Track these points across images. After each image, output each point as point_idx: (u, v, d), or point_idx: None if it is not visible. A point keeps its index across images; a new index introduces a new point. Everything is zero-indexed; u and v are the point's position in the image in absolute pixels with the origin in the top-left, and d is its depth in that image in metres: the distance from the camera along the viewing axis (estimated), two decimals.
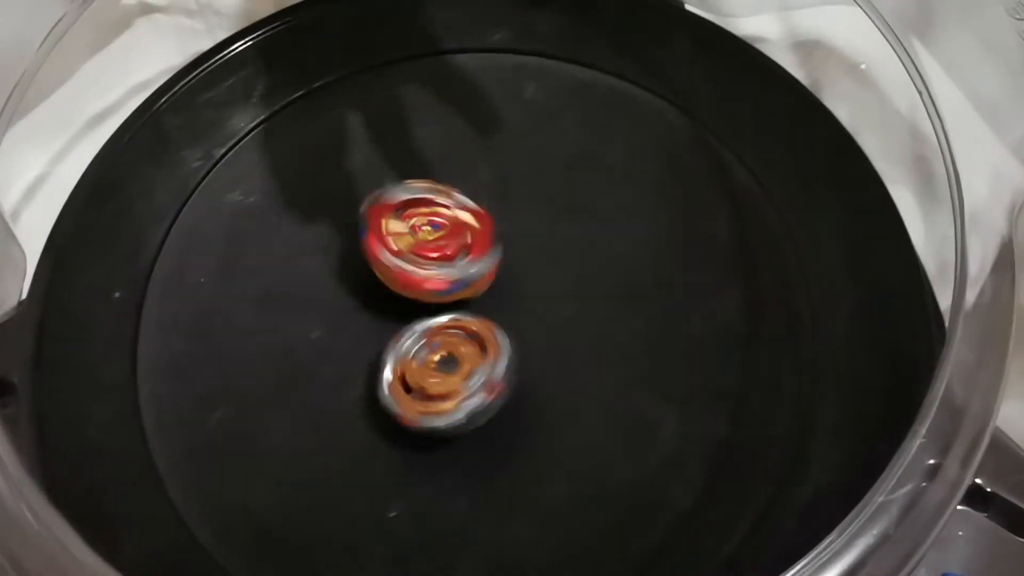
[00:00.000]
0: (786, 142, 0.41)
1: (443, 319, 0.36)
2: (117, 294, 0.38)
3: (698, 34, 0.43)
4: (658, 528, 0.34)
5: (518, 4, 0.44)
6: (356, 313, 0.38)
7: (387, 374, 0.35)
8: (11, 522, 0.26)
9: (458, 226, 0.36)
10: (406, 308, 0.36)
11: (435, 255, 0.36)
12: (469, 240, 0.36)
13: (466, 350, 0.35)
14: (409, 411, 0.34)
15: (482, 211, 0.37)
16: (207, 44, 0.46)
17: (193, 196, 0.40)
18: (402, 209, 0.36)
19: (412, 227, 0.36)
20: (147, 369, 0.37)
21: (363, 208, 0.36)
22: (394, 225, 0.36)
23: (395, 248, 0.35)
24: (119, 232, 0.39)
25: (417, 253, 0.35)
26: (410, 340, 0.35)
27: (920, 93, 0.34)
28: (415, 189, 0.36)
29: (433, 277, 0.35)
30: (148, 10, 0.47)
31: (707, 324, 0.38)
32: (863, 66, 0.44)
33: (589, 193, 0.40)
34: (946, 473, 0.29)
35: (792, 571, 0.26)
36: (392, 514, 0.35)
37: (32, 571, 0.26)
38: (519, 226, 0.38)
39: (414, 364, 0.35)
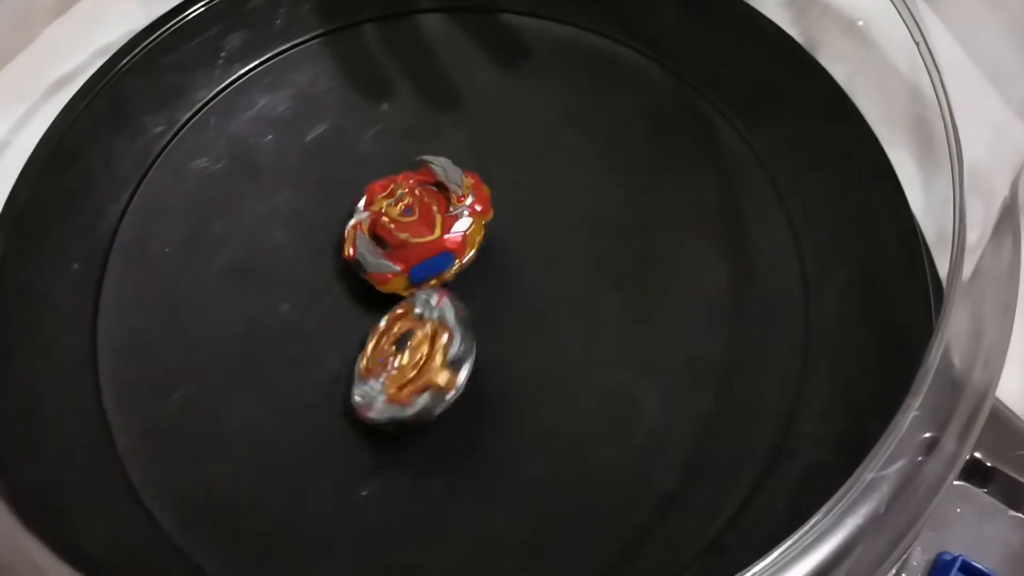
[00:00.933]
0: (780, 104, 0.39)
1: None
2: (75, 266, 0.36)
3: None
4: (642, 509, 0.32)
5: None
6: (326, 289, 0.36)
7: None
8: None
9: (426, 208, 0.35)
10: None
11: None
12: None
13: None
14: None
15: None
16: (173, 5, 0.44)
17: (156, 163, 0.38)
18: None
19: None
20: (107, 346, 0.35)
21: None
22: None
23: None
24: (77, 201, 0.37)
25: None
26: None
27: (918, 45, 0.32)
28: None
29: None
30: None
31: (693, 296, 0.36)
32: (861, 23, 0.42)
33: (571, 158, 0.38)
34: (943, 448, 0.28)
35: (778, 551, 0.25)
36: (363, 493, 0.33)
37: None
38: (497, 193, 0.36)
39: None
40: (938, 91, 0.31)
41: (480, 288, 0.35)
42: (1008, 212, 0.29)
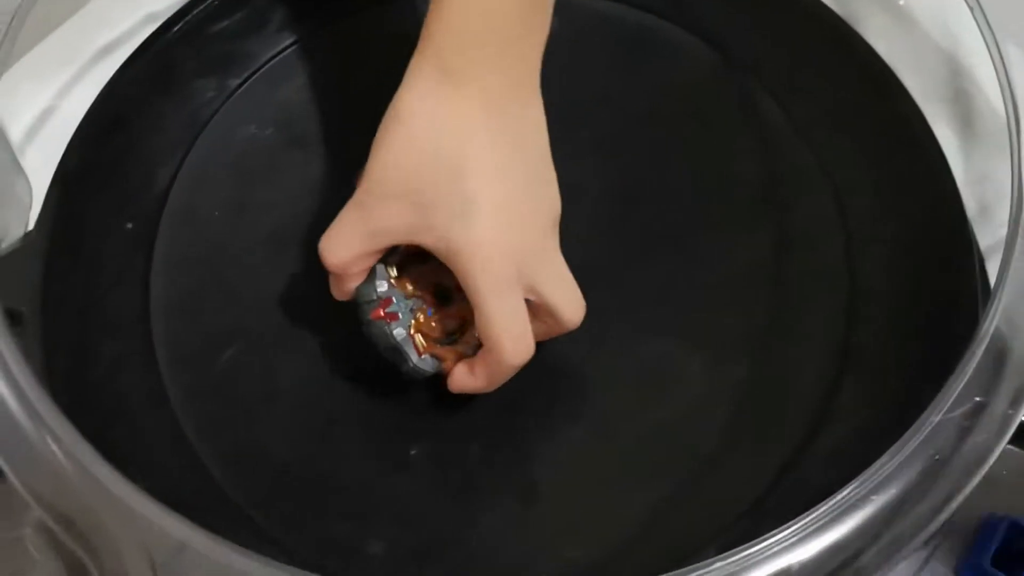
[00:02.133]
0: (822, 77, 0.39)
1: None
2: (128, 226, 0.36)
3: None
4: (683, 471, 0.33)
5: None
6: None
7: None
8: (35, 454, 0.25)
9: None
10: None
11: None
12: None
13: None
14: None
15: None
16: None
17: (205, 129, 0.39)
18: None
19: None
20: (159, 305, 0.35)
21: None
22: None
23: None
24: (129, 164, 0.38)
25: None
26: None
27: (987, 44, 0.32)
28: None
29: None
30: None
31: (736, 264, 0.36)
32: (902, 2, 0.42)
33: (616, 132, 0.39)
34: (993, 410, 0.28)
35: (846, 491, 0.25)
36: (412, 452, 0.33)
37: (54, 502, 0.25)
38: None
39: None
40: (995, 60, 0.31)
41: None
42: None
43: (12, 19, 0.35)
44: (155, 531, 0.24)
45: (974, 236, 0.36)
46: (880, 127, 0.38)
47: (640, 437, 0.34)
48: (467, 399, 0.34)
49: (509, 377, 0.31)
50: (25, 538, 0.31)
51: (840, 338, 0.35)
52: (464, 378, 0.32)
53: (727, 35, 0.40)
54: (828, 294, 0.35)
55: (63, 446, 0.25)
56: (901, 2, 0.42)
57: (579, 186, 0.37)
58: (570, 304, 0.32)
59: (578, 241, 0.36)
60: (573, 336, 0.35)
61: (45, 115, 0.40)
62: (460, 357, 0.32)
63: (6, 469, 0.25)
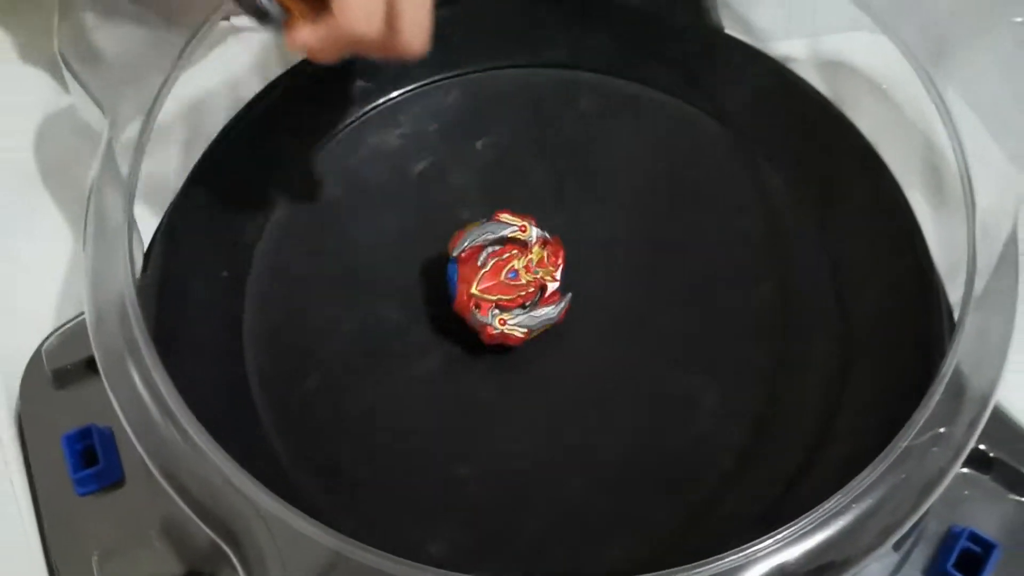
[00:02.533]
0: (814, 151, 0.46)
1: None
2: (224, 273, 0.43)
3: (737, 55, 0.48)
4: (704, 487, 0.39)
5: (572, 25, 0.49)
6: (425, 297, 0.43)
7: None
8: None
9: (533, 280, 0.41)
10: None
11: (515, 304, 0.40)
12: (546, 284, 0.41)
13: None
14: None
15: (555, 242, 0.41)
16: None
17: (288, 189, 0.45)
18: (487, 256, 0.41)
19: (497, 280, 0.40)
20: (251, 340, 0.42)
21: (452, 242, 0.41)
22: (482, 280, 0.40)
23: (483, 303, 0.40)
24: (223, 221, 0.44)
25: (501, 304, 0.40)
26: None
27: (937, 106, 0.39)
28: (496, 226, 0.41)
29: (516, 330, 0.40)
30: (238, 30, 0.52)
31: (748, 311, 0.43)
32: (884, 86, 0.49)
33: (641, 194, 0.46)
34: (952, 436, 0.34)
35: (830, 502, 0.31)
36: (462, 472, 0.39)
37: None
38: (575, 223, 0.44)
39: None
40: (956, 149, 0.38)
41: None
42: (1010, 246, 0.36)
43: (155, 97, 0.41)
44: (287, 533, 0.30)
45: (943, 291, 0.42)
46: (864, 195, 0.44)
47: (666, 454, 0.40)
48: (513, 425, 0.40)
49: (344, 48, 0.35)
50: (151, 538, 0.37)
51: (834, 375, 0.41)
52: (304, 32, 0.35)
53: (735, 113, 0.47)
54: (823, 339, 0.42)
55: (212, 463, 0.31)
56: (884, 86, 0.49)
57: (613, 239, 0.44)
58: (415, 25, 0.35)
59: (613, 286, 0.43)
60: (613, 371, 0.41)
61: (149, 179, 0.46)
62: (306, 14, 0.35)
63: (164, 483, 0.31)
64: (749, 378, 0.41)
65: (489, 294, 0.40)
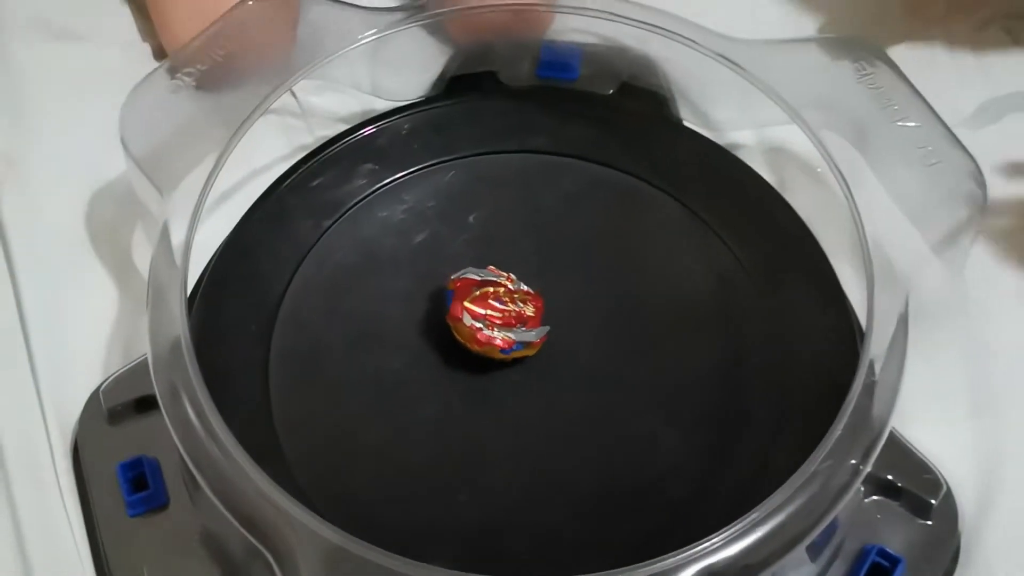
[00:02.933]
0: (757, 227, 0.54)
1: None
2: (252, 328, 0.50)
3: (692, 143, 0.57)
4: (665, 515, 0.46)
5: (553, 118, 0.58)
6: (427, 350, 0.50)
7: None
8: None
9: (517, 310, 0.49)
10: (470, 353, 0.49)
11: (501, 322, 0.48)
12: (526, 315, 0.49)
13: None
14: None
15: (535, 293, 0.50)
16: (308, 139, 0.59)
17: (307, 256, 0.53)
18: (477, 287, 0.49)
19: (485, 301, 0.49)
20: (276, 387, 0.49)
21: (450, 282, 0.49)
22: (473, 299, 0.49)
23: (474, 313, 0.48)
24: (252, 283, 0.52)
25: (488, 320, 0.48)
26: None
27: (843, 190, 0.47)
28: (487, 273, 0.50)
29: (501, 337, 0.48)
30: (263, 112, 0.60)
31: (702, 365, 0.50)
32: (820, 170, 0.57)
33: (608, 261, 0.54)
34: (848, 465, 0.41)
35: (753, 514, 0.39)
36: (461, 499, 0.46)
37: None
38: (553, 284, 0.51)
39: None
40: (859, 227, 0.46)
41: (541, 355, 0.50)
42: (902, 319, 0.44)
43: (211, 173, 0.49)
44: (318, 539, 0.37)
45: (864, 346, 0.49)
46: (798, 266, 0.52)
47: (632, 488, 0.47)
48: (501, 459, 0.47)
49: None
50: (192, 551, 0.44)
51: (774, 417, 0.48)
52: None
53: (691, 194, 0.55)
54: (764, 389, 0.49)
55: (251, 481, 0.38)
56: (819, 170, 0.57)
57: (585, 298, 0.52)
58: None
59: (584, 340, 0.51)
60: (586, 414, 0.49)
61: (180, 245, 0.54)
62: None
63: (211, 495, 0.38)
64: (704, 421, 0.49)
65: (478, 307, 0.48)
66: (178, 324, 0.43)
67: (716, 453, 0.47)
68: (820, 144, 0.49)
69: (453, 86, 0.60)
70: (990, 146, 0.53)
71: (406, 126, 0.58)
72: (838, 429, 0.40)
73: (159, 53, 0.65)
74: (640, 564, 0.37)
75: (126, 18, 0.67)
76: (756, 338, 0.51)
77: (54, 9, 0.66)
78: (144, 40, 0.66)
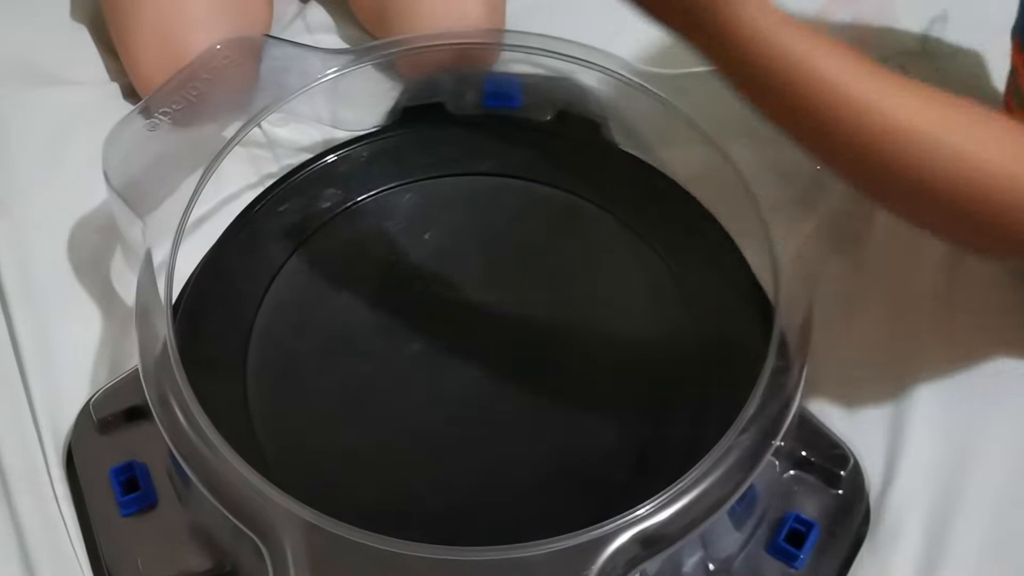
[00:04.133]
0: (680, 235, 0.60)
1: None
2: (229, 342, 0.55)
3: (625, 163, 0.63)
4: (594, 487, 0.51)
5: (498, 143, 0.64)
6: (392, 356, 0.55)
7: None
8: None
9: None
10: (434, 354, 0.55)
11: None
12: None
13: None
14: None
15: None
16: (274, 167, 0.65)
17: (277, 276, 0.58)
18: None
19: None
20: (253, 393, 0.54)
21: None
22: None
23: None
24: (227, 301, 0.57)
25: None
26: None
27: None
28: None
29: None
30: (231, 143, 0.65)
31: (636, 351, 0.56)
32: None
33: (550, 269, 0.59)
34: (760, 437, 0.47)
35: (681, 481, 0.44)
36: (424, 483, 0.51)
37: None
38: (501, 292, 0.57)
39: None
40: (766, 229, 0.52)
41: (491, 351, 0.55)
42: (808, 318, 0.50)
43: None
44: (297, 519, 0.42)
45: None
46: (719, 265, 0.58)
47: (574, 468, 0.52)
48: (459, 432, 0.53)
49: None
50: (181, 543, 0.48)
51: (700, 400, 0.54)
52: None
53: (623, 208, 0.61)
54: (690, 375, 0.54)
55: (237, 473, 0.43)
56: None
57: (530, 303, 0.58)
58: None
59: (530, 339, 0.56)
60: (534, 405, 0.54)
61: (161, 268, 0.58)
62: None
63: (202, 487, 0.43)
64: (638, 407, 0.54)
65: None
66: (165, 338, 0.47)
67: (649, 434, 0.53)
68: (734, 166, 0.55)
69: (406, 116, 0.66)
70: None
71: (364, 154, 0.63)
72: (751, 408, 0.46)
73: (129, 91, 0.69)
74: (579, 531, 0.42)
75: (95, 59, 0.72)
76: (681, 331, 0.56)
77: (27, 55, 0.71)
78: (113, 80, 0.71)
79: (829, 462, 0.52)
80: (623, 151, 0.64)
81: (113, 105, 0.68)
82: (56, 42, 0.72)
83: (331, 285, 0.58)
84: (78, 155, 0.63)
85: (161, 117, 0.56)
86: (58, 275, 0.60)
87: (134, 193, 0.53)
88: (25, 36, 0.71)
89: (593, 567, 0.42)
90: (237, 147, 0.62)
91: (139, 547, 0.49)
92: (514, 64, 0.67)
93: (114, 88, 0.70)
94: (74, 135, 0.65)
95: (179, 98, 0.56)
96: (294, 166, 0.63)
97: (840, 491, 0.51)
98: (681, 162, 0.65)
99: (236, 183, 0.64)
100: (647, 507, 0.43)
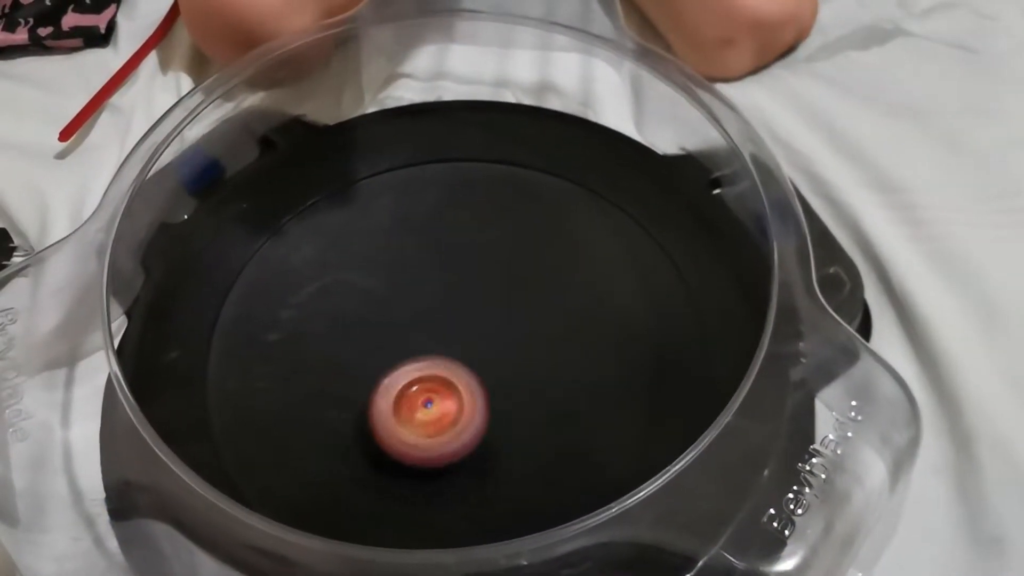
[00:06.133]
0: (677, 215, 0.56)
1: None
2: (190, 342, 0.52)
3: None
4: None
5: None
6: (335, 352, 0.52)
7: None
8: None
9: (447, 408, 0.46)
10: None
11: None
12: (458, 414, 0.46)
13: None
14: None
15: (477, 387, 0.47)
16: None
17: (241, 273, 0.55)
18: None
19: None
20: (214, 386, 0.50)
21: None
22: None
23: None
24: (188, 302, 0.54)
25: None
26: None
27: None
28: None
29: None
30: None
31: (627, 330, 0.52)
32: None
33: (519, 251, 0.56)
34: None
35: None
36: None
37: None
38: (474, 280, 0.54)
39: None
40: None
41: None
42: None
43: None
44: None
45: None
46: (720, 242, 0.54)
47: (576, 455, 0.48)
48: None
49: None
50: None
51: (700, 375, 0.50)
52: None
53: (598, 183, 0.58)
54: (688, 362, 0.51)
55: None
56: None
57: (504, 294, 0.54)
58: None
59: (516, 318, 0.53)
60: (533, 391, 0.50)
61: None
62: None
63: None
64: (638, 385, 0.50)
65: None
66: None
67: (656, 411, 0.49)
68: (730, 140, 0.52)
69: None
70: None
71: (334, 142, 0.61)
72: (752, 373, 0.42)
73: None
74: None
75: None
76: (679, 318, 0.52)
77: None
78: None
79: None
80: (590, 122, 0.61)
81: None
82: None
83: (284, 287, 0.55)
84: None
85: None
86: None
87: None
88: None
89: None
90: None
91: None
92: None
93: None
94: None
95: None
96: None
97: None
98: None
99: None
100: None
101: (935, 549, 0.45)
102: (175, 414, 0.49)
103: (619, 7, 0.61)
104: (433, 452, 0.46)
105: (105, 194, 0.51)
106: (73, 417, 0.50)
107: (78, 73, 0.68)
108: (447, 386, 0.47)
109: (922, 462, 0.41)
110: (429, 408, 0.46)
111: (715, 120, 0.52)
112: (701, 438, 0.40)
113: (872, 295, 0.53)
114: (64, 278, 0.50)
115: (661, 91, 0.55)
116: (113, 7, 0.71)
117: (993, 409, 0.48)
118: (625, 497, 0.38)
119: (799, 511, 0.40)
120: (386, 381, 0.47)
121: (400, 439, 0.46)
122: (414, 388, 0.47)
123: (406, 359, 0.48)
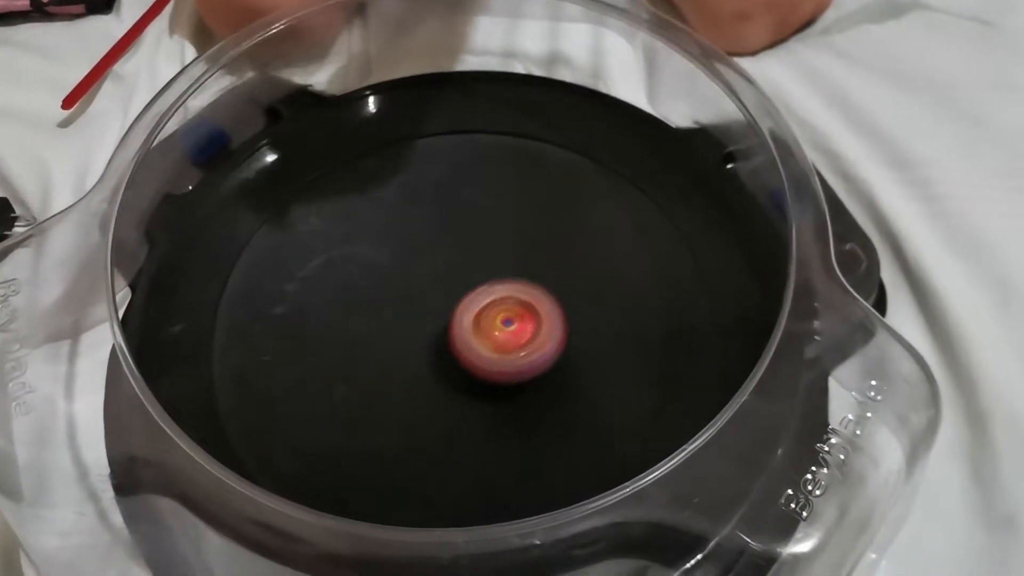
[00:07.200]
0: (689, 189, 0.55)
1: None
2: (199, 315, 0.51)
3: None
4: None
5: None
6: (344, 325, 0.51)
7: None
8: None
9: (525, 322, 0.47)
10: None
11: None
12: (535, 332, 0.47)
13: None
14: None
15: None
16: None
17: (241, 255, 0.54)
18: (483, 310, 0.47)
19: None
20: (221, 366, 0.49)
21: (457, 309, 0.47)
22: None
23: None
24: (192, 281, 0.53)
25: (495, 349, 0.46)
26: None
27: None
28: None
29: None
30: None
31: (641, 312, 0.51)
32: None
33: (528, 221, 0.55)
34: None
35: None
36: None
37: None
38: (483, 254, 0.53)
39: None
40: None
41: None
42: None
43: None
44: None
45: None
46: (733, 218, 0.53)
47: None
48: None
49: None
50: None
51: (712, 352, 0.49)
52: None
53: (609, 156, 0.57)
54: (702, 339, 0.49)
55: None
56: None
57: (506, 261, 0.53)
58: None
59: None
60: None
61: None
62: None
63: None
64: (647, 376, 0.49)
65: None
66: None
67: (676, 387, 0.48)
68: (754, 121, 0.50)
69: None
70: None
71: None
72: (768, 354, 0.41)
73: None
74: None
75: None
76: (691, 295, 0.51)
77: None
78: None
79: None
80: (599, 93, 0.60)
81: None
82: None
83: (291, 262, 0.54)
84: None
85: None
86: None
87: None
88: None
89: None
90: None
91: None
92: None
93: None
94: None
95: None
96: None
97: None
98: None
99: None
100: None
101: (948, 529, 0.44)
102: (180, 388, 0.48)
103: None
104: (507, 367, 0.47)
105: (109, 164, 0.50)
106: (77, 390, 0.49)
107: (80, 40, 0.67)
108: (527, 309, 0.48)
109: (937, 441, 0.41)
110: (508, 327, 0.47)
111: (733, 93, 0.51)
112: (716, 418, 0.39)
113: (887, 272, 0.52)
114: (67, 249, 0.50)
115: (675, 63, 0.54)
116: None
117: (1009, 388, 0.47)
118: (639, 477, 0.38)
119: (817, 492, 0.39)
120: (468, 298, 0.48)
121: (478, 353, 0.47)
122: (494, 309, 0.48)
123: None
